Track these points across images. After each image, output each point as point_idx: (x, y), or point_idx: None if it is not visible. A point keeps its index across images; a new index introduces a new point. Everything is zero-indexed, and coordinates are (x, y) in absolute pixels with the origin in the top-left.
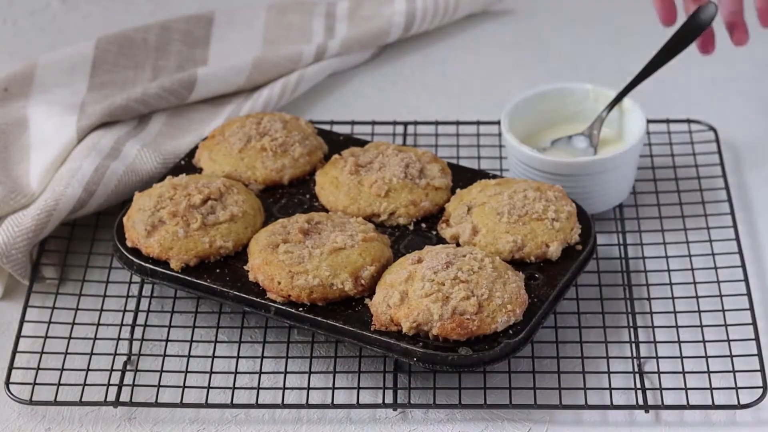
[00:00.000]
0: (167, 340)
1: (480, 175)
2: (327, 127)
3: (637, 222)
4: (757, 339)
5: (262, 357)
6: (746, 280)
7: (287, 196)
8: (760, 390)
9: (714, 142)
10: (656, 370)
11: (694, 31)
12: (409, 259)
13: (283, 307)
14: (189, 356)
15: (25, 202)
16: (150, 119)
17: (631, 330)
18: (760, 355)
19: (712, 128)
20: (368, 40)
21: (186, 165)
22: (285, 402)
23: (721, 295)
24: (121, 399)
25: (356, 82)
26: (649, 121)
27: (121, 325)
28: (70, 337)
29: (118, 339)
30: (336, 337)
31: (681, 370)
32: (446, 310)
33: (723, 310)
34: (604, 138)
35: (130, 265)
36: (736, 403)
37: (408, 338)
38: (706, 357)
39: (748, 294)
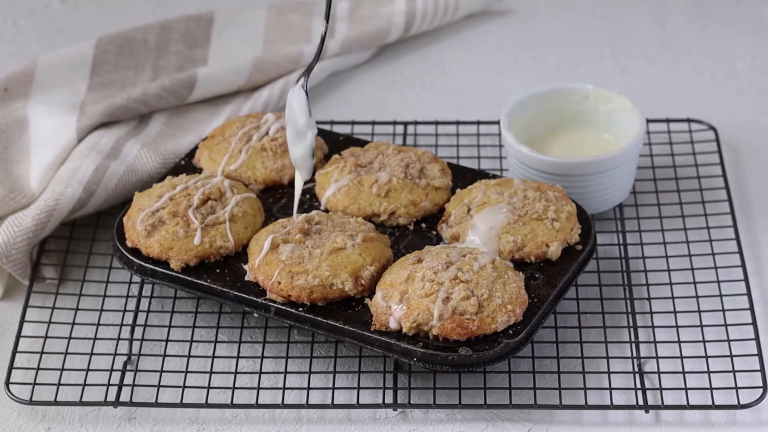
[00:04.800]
0: (167, 340)
1: (480, 175)
2: (327, 127)
3: (637, 222)
4: (757, 339)
5: (262, 357)
6: (746, 279)
7: (287, 196)
8: (760, 390)
9: (714, 142)
10: (656, 370)
11: None
12: (409, 259)
13: (283, 307)
14: (189, 356)
15: (25, 202)
16: (150, 119)
17: (631, 330)
18: (760, 355)
19: (712, 128)
20: (368, 40)
21: (186, 165)
22: (285, 402)
23: (721, 295)
24: (121, 399)
25: (356, 82)
26: (649, 121)
27: (121, 325)
28: (70, 337)
29: (118, 339)
30: (336, 337)
31: (681, 370)
32: (446, 310)
33: (723, 310)
34: (605, 138)
35: (130, 265)
36: (736, 403)
37: (408, 338)
38: (706, 357)
39: (748, 294)
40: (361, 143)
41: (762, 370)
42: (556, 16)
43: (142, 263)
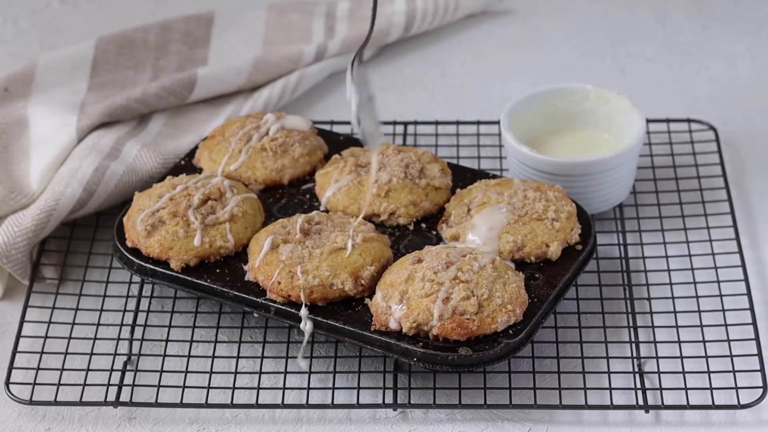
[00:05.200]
0: (167, 340)
1: (480, 175)
2: (327, 127)
3: (637, 222)
4: (757, 339)
5: (262, 357)
6: (746, 279)
7: (287, 196)
8: (760, 390)
9: (714, 142)
10: (656, 370)
11: None
12: (409, 259)
13: (283, 307)
14: (189, 356)
15: (25, 202)
16: (150, 119)
17: (631, 330)
18: (760, 355)
19: (712, 128)
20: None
21: (186, 165)
22: (285, 402)
23: (721, 295)
24: (121, 399)
25: None
26: (649, 121)
27: (121, 325)
28: (70, 337)
29: (118, 339)
30: (336, 337)
31: (681, 370)
32: (446, 310)
33: (723, 310)
34: (605, 138)
35: (130, 265)
36: (736, 403)
37: (408, 338)
38: (706, 357)
39: (748, 294)
40: (361, 143)
41: (762, 370)
42: (556, 16)
43: (142, 263)
